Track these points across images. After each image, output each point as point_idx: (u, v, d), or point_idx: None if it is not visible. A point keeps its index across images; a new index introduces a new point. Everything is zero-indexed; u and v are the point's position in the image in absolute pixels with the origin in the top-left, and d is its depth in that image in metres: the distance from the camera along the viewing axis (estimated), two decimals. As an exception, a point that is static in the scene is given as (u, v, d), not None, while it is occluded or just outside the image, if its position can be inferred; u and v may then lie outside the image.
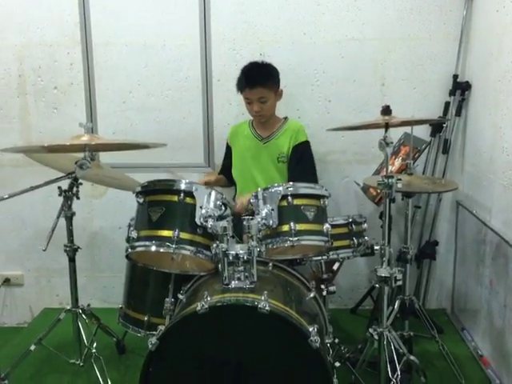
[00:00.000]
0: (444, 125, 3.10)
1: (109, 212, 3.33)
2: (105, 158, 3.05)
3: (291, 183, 2.20)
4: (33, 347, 2.49)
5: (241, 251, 1.97)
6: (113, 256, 3.35)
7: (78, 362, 2.54)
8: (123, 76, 3.17)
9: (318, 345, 1.75)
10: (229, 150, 3.06)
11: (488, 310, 2.70)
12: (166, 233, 2.06)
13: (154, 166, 3.18)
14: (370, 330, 2.23)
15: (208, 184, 2.88)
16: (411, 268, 2.76)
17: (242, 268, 1.98)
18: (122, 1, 3.10)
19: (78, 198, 2.41)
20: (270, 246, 2.10)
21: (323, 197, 2.21)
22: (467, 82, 3.02)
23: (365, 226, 2.53)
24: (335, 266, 2.56)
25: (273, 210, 2.10)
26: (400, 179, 2.14)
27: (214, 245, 2.00)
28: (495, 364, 2.60)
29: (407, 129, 2.89)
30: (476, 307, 2.87)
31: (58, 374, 2.67)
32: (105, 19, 3.11)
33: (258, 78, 2.76)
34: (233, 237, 2.12)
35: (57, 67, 3.18)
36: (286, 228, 2.10)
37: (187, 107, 3.20)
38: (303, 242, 2.11)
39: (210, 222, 2.02)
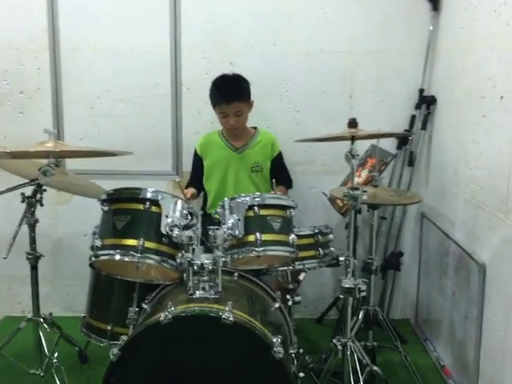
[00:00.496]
0: (410, 138, 3.16)
1: (74, 219, 3.28)
2: (71, 163, 3.02)
3: (258, 193, 2.21)
4: (-8, 357, 2.44)
5: (206, 261, 1.97)
6: (77, 264, 3.28)
7: (38, 372, 2.47)
8: (91, 82, 3.14)
9: (281, 356, 1.75)
10: (198, 160, 3.02)
11: (450, 320, 2.74)
12: (130, 241, 2.03)
13: (121, 172, 3.15)
14: (334, 341, 2.25)
15: (192, 197, 2.78)
16: (376, 278, 2.79)
17: (207, 278, 1.98)
18: (92, 6, 3.07)
19: (41, 204, 2.34)
20: (236, 256, 2.10)
21: (289, 207, 2.22)
22: (433, 96, 3.08)
23: (331, 236, 2.53)
24: (301, 277, 2.57)
25: (239, 220, 2.10)
26: (365, 191, 2.17)
27: (180, 254, 1.99)
28: (456, 374, 2.64)
29: (374, 141, 2.93)
30: (439, 318, 2.92)
31: (17, 384, 2.61)
32: (74, 24, 3.08)
33: (234, 93, 2.75)
34: (204, 244, 2.10)
35: (24, 71, 3.13)
36: (251, 238, 2.10)
37: (156, 114, 3.18)
38: (269, 253, 2.12)
39: (176, 232, 2.00)
